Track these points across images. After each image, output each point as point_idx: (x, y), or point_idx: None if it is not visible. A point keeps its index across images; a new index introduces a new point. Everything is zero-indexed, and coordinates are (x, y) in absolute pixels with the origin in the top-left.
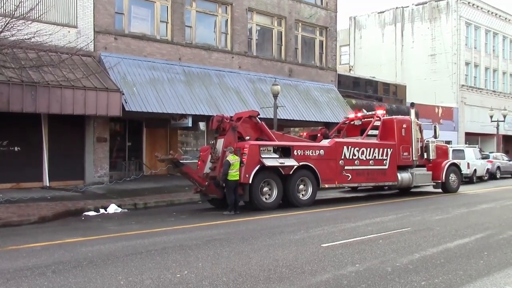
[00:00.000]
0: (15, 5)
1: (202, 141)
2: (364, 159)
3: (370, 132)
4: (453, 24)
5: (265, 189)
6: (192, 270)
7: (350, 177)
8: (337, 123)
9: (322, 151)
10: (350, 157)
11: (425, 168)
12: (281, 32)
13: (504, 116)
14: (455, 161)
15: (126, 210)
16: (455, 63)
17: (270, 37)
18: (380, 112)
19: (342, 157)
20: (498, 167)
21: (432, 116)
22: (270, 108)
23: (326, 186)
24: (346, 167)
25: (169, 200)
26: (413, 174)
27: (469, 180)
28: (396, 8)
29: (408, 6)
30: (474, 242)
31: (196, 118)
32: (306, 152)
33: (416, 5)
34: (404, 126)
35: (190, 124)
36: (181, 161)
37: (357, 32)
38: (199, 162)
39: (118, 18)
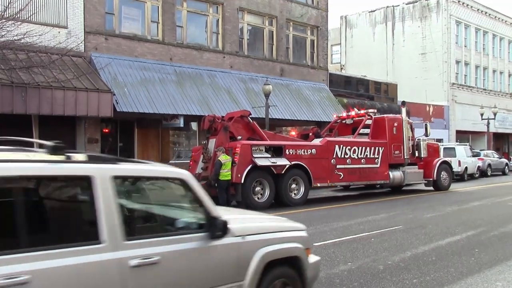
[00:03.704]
0: (4, 6)
1: (194, 141)
2: (356, 157)
3: (362, 131)
4: (444, 23)
5: (257, 188)
6: None
7: (342, 175)
8: (329, 122)
9: (314, 150)
10: (342, 156)
11: (417, 166)
12: (272, 31)
13: (495, 114)
14: (446, 159)
15: None
16: (446, 61)
17: (261, 37)
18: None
19: (334, 156)
20: (489, 165)
21: (423, 114)
22: (262, 108)
23: (318, 185)
24: (338, 166)
25: None
26: (404, 173)
27: (460, 177)
28: (387, 7)
29: (398, 5)
30: (466, 240)
31: (188, 118)
32: (298, 152)
33: (406, 4)
34: (395, 124)
35: (182, 124)
36: None
37: (348, 31)
38: (191, 163)
39: (109, 18)
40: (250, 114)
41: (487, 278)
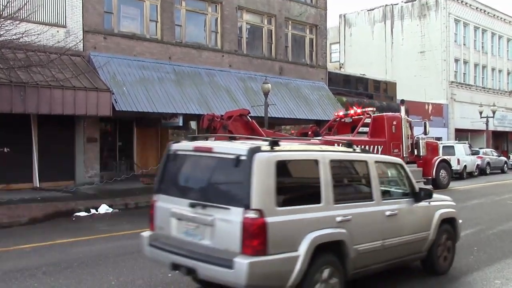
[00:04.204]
0: (3, 5)
1: None
2: None
3: (361, 129)
4: (442, 21)
5: None
6: None
7: None
8: (328, 120)
9: None
10: None
11: (416, 165)
12: (271, 30)
13: (494, 112)
14: (445, 157)
15: (117, 210)
16: (445, 60)
17: (260, 36)
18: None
19: None
20: (488, 163)
21: (422, 113)
22: (261, 107)
23: None
24: None
25: None
26: None
27: (459, 176)
28: (386, 5)
29: (397, 4)
30: (464, 238)
31: (187, 117)
32: None
33: (405, 2)
34: (394, 123)
35: (181, 124)
36: None
37: (347, 29)
38: None
39: (107, 18)
40: (249, 113)
41: (486, 276)
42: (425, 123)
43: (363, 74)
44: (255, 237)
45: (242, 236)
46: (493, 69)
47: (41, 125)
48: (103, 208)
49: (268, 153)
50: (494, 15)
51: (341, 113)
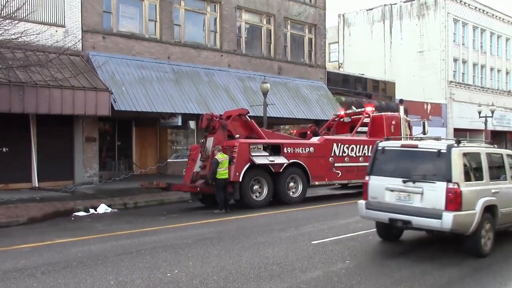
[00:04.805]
0: (1, 5)
1: (192, 140)
2: (354, 156)
3: (360, 129)
4: (441, 21)
5: (256, 187)
6: (182, 269)
7: (340, 174)
8: (327, 120)
9: (312, 149)
10: (340, 154)
11: None
12: (270, 30)
13: (492, 112)
14: None
15: (116, 210)
16: (443, 59)
17: (259, 35)
18: (369, 109)
19: (332, 154)
20: None
21: (421, 112)
22: (260, 106)
23: (316, 183)
24: (336, 164)
25: (159, 199)
26: None
27: None
28: (385, 5)
29: (396, 3)
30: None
31: (186, 117)
32: (296, 150)
33: (404, 2)
34: (393, 122)
35: (179, 123)
36: (167, 183)
37: (346, 29)
38: (189, 161)
39: (106, 17)
40: (248, 112)
41: (484, 277)
42: (424, 122)
43: (362, 74)
44: (455, 199)
45: (446, 199)
46: (491, 69)
47: (40, 124)
48: (102, 208)
49: (458, 148)
50: (493, 14)
51: (342, 112)
